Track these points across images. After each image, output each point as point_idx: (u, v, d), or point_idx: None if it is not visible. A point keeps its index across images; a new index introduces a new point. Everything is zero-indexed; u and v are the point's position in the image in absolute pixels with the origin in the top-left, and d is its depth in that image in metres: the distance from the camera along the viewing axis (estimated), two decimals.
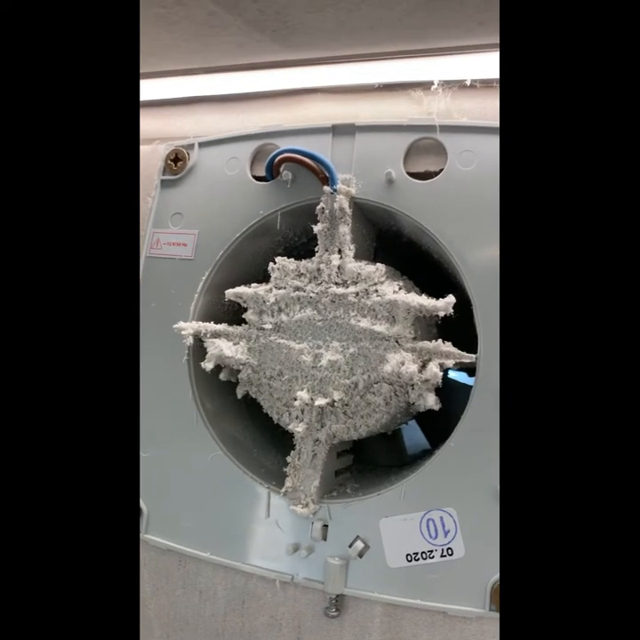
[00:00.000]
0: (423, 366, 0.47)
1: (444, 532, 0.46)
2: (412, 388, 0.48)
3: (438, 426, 0.55)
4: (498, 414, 0.45)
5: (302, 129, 0.54)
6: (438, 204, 0.49)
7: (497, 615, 0.44)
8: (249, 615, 0.51)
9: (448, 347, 0.47)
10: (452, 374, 0.69)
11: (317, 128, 0.53)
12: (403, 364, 0.47)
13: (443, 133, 0.50)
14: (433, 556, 0.46)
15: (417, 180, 0.50)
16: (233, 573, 0.52)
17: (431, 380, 0.46)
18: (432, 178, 0.50)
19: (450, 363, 0.47)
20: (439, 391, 0.56)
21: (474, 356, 0.47)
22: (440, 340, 0.47)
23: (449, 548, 0.46)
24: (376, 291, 0.49)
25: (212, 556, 0.52)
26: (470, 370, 0.53)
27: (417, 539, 0.46)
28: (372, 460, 0.67)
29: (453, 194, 0.49)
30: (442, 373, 0.46)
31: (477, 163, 0.48)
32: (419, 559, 0.46)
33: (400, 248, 0.59)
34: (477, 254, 0.48)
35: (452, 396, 0.53)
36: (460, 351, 0.47)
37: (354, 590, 0.48)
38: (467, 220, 0.48)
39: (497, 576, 0.44)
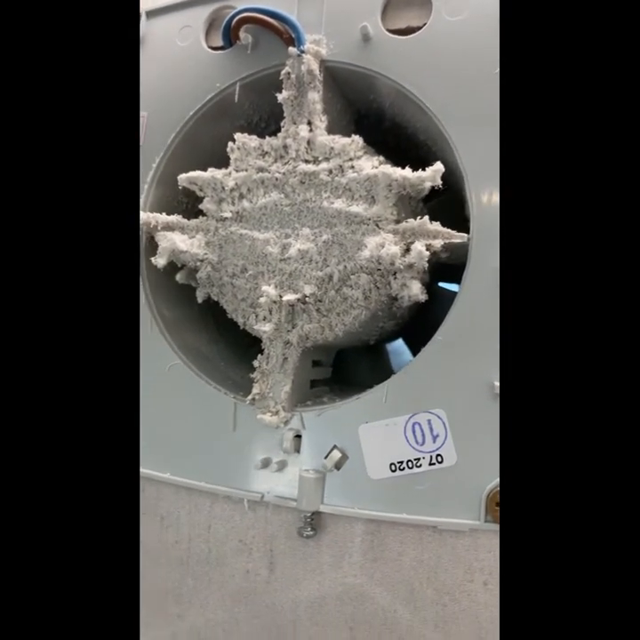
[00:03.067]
0: (407, 250, 0.41)
1: (432, 437, 0.40)
2: (395, 278, 0.41)
3: None
4: (494, 301, 0.39)
5: None
6: (422, 62, 0.42)
7: (494, 527, 0.39)
8: (216, 540, 0.45)
9: (435, 225, 0.41)
10: (443, 285, 0.63)
11: None
12: (382, 246, 0.40)
13: None
14: (420, 465, 0.40)
15: (397, 36, 0.43)
16: (197, 495, 0.46)
17: (416, 263, 0.40)
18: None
19: (437, 244, 0.40)
20: (431, 305, 0.50)
21: (466, 235, 0.41)
22: (426, 218, 0.41)
23: (438, 455, 0.40)
24: (352, 166, 0.42)
25: (173, 476, 0.46)
26: None
27: (402, 446, 0.41)
28: (354, 381, 0.61)
29: (440, 49, 0.41)
30: (428, 254, 0.40)
31: (469, 11, 0.41)
32: (404, 469, 0.41)
33: (384, 134, 0.53)
34: (468, 119, 0.41)
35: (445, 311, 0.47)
36: (449, 230, 0.41)
37: (332, 506, 0.42)
38: (456, 79, 0.41)
39: (493, 483, 0.39)
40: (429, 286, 0.56)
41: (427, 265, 0.40)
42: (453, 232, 0.40)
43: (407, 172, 0.40)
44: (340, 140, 0.43)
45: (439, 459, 0.40)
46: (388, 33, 0.43)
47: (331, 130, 0.45)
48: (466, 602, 0.39)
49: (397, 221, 0.42)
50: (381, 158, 0.44)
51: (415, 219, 0.43)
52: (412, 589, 0.40)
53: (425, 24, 0.42)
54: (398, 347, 0.69)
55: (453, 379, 0.40)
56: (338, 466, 0.42)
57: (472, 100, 0.41)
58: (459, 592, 0.40)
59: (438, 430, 0.40)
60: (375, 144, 0.51)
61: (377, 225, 0.42)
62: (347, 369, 0.62)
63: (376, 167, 0.42)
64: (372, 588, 0.41)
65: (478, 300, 0.40)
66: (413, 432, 0.41)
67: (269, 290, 0.43)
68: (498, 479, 0.39)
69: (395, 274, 0.41)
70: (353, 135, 0.43)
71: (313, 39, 0.44)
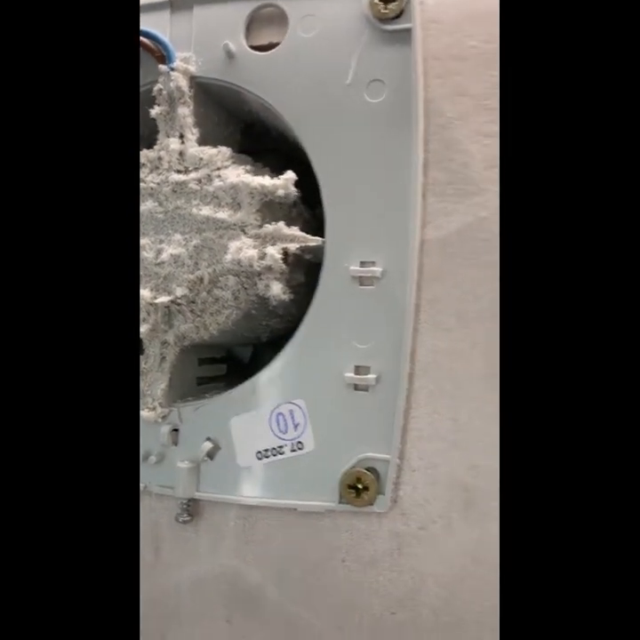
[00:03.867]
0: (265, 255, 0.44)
1: (293, 426, 0.43)
2: (260, 279, 0.44)
3: None
4: (347, 299, 0.42)
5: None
6: (279, 76, 0.45)
7: (348, 508, 0.42)
8: None
9: (291, 230, 0.44)
10: None
11: (154, 3, 0.48)
12: (241, 250, 0.43)
13: None
14: (283, 452, 0.43)
15: (258, 53, 0.46)
16: None
17: (273, 266, 0.43)
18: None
19: (293, 247, 0.43)
20: None
21: (319, 239, 0.44)
22: (282, 223, 0.44)
23: (299, 442, 0.43)
24: (219, 176, 0.45)
25: None
26: None
27: (267, 435, 0.44)
28: None
29: (294, 63, 0.44)
30: (282, 257, 0.43)
31: (320, 28, 0.44)
32: (269, 456, 0.44)
33: (276, 142, 0.55)
34: (320, 128, 0.44)
35: None
36: (304, 234, 0.44)
37: (207, 494, 0.45)
38: (308, 90, 0.44)
39: (346, 467, 0.42)
40: None
41: (284, 266, 0.43)
42: (308, 236, 0.44)
43: (265, 180, 0.43)
44: (208, 151, 0.46)
45: (300, 446, 0.43)
46: (250, 49, 0.46)
47: (209, 141, 0.48)
48: (327, 578, 0.43)
49: (262, 226, 0.45)
50: (248, 167, 0.47)
51: (285, 223, 0.46)
52: (279, 568, 0.44)
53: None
54: None
55: (312, 371, 0.43)
56: (211, 455, 0.45)
57: (323, 110, 0.44)
58: (320, 569, 0.43)
59: (299, 419, 0.43)
60: (274, 151, 0.54)
61: (243, 230, 0.44)
62: (256, 364, 0.65)
63: (240, 176, 0.45)
64: (245, 568, 0.44)
65: (332, 298, 0.43)
66: (277, 422, 0.44)
67: (144, 293, 0.46)
68: (351, 462, 0.42)
69: (259, 275, 0.44)
70: (220, 146, 0.46)
71: (183, 57, 0.47)
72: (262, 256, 0.43)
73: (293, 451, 0.43)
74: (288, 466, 0.43)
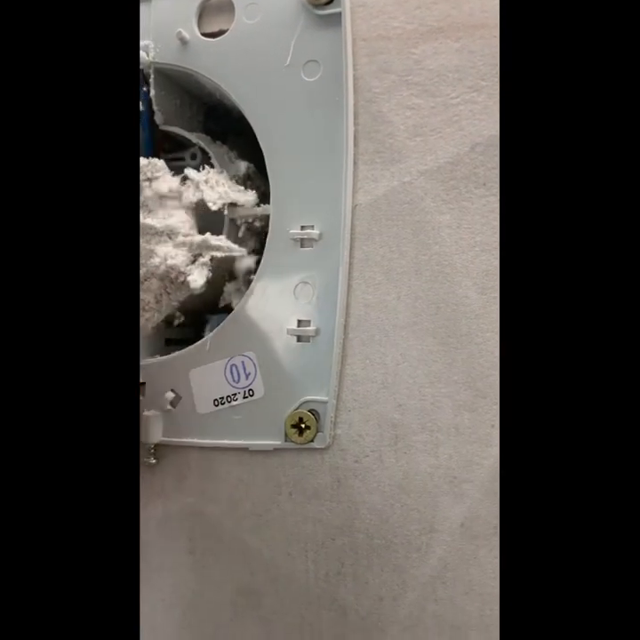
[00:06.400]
0: (194, 262, 0.48)
1: (245, 375, 0.48)
2: (183, 285, 0.49)
3: None
4: (288, 267, 0.47)
5: None
6: (227, 60, 0.49)
7: (292, 445, 0.46)
8: None
9: (219, 240, 0.48)
10: None
11: None
12: (169, 257, 0.47)
13: None
14: (236, 399, 0.48)
15: (208, 39, 0.50)
16: None
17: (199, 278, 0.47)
18: None
19: (219, 255, 0.48)
20: None
21: (244, 250, 0.49)
22: (208, 234, 0.48)
23: (250, 390, 0.48)
24: (149, 186, 0.49)
25: None
26: None
27: (222, 384, 0.49)
28: None
29: (240, 48, 0.49)
30: (206, 270, 0.48)
31: (262, 14, 0.48)
32: (224, 403, 0.49)
33: (240, 122, 0.60)
34: (263, 105, 0.48)
35: None
36: (231, 244, 0.48)
37: (170, 439, 0.50)
38: (253, 71, 0.48)
39: (290, 409, 0.47)
40: None
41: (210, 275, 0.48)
42: (234, 246, 0.49)
43: (190, 192, 0.48)
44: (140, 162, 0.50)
45: (251, 393, 0.48)
46: (201, 36, 0.50)
47: (171, 122, 0.53)
48: (276, 511, 0.47)
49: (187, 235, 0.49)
50: (176, 178, 0.50)
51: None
52: (234, 503, 0.48)
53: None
54: None
55: (261, 326, 0.48)
56: (173, 404, 0.50)
57: (266, 89, 0.48)
58: (270, 503, 0.48)
59: (250, 369, 0.48)
60: (239, 134, 0.58)
61: (169, 237, 0.49)
62: None
63: (172, 187, 0.49)
64: (205, 504, 0.49)
65: (277, 260, 0.48)
66: (231, 372, 0.49)
67: None
68: (295, 405, 0.46)
69: (182, 282, 0.48)
70: (151, 158, 0.50)
71: (143, 45, 0.51)
72: (190, 262, 0.48)
73: (245, 397, 0.48)
74: (241, 411, 0.48)
